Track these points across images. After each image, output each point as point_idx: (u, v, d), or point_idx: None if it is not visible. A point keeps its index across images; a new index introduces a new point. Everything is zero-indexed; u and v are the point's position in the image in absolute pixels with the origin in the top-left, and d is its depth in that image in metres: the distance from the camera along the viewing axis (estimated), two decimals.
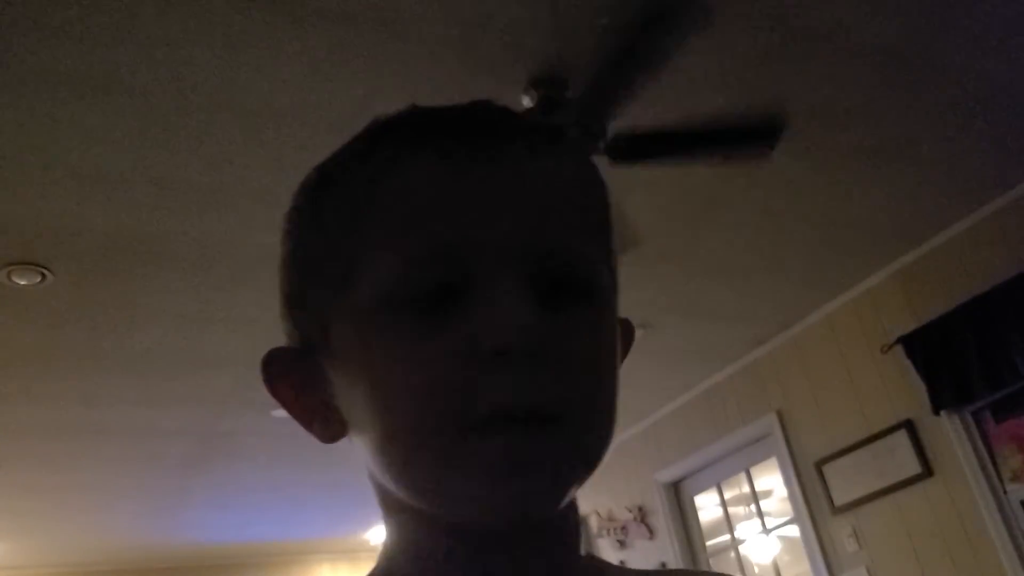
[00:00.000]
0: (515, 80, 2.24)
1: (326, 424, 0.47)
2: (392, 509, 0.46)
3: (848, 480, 3.84)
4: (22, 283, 2.78)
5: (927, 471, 3.48)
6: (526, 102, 2.26)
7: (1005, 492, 3.24)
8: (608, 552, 5.31)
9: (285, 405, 0.48)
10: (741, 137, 2.44)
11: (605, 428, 0.44)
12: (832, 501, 3.91)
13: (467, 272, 0.41)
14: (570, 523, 0.46)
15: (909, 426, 3.54)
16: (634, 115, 2.29)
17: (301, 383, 0.47)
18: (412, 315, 0.41)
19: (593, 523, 5.43)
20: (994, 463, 3.28)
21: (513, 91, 2.26)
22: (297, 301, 0.48)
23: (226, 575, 6.24)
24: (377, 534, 6.39)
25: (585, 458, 0.42)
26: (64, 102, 2.13)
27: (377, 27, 2.04)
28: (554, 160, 0.45)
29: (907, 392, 3.50)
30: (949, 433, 3.39)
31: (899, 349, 3.50)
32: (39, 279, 2.77)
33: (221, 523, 5.72)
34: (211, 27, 1.98)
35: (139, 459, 4.44)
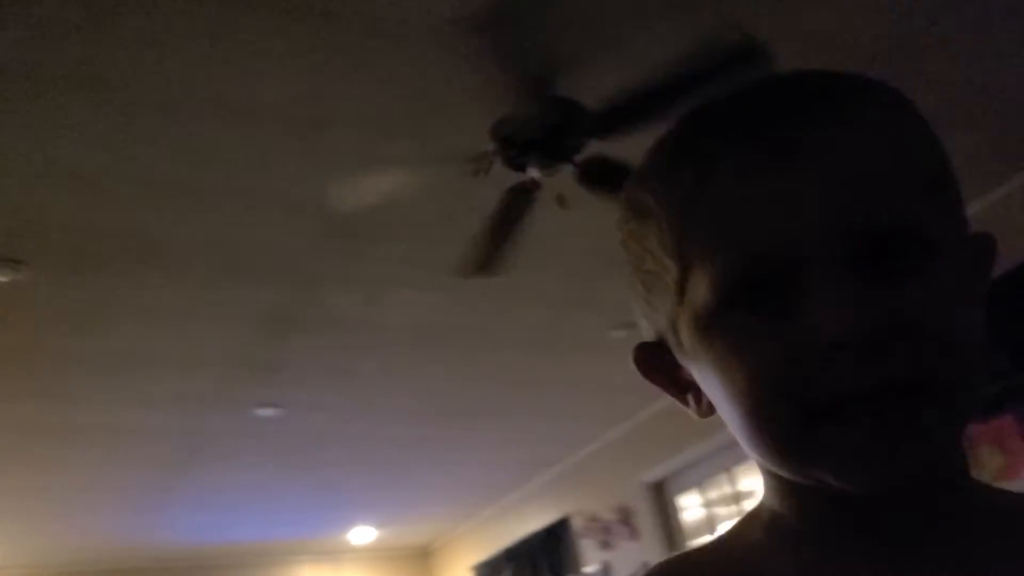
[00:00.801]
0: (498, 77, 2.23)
1: (698, 404, 0.51)
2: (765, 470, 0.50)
3: None
4: (0, 280, 2.74)
5: None
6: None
7: None
8: (591, 553, 5.31)
9: (662, 388, 0.54)
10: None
11: (974, 376, 0.43)
12: None
13: (791, 266, 0.42)
14: (955, 465, 0.47)
15: None
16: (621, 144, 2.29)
17: (668, 372, 0.52)
18: (745, 313, 0.43)
19: (577, 523, 5.42)
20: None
21: (494, 87, 2.25)
22: (647, 303, 0.51)
23: None
24: (358, 535, 6.36)
25: (956, 415, 0.43)
26: (45, 97, 2.10)
27: (360, 25, 2.03)
28: (853, 128, 0.44)
29: None
30: None
31: None
32: (16, 275, 2.73)
33: (203, 523, 5.68)
34: (194, 23, 1.96)
35: (120, 460, 4.40)
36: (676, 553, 0.55)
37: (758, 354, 0.43)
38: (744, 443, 0.47)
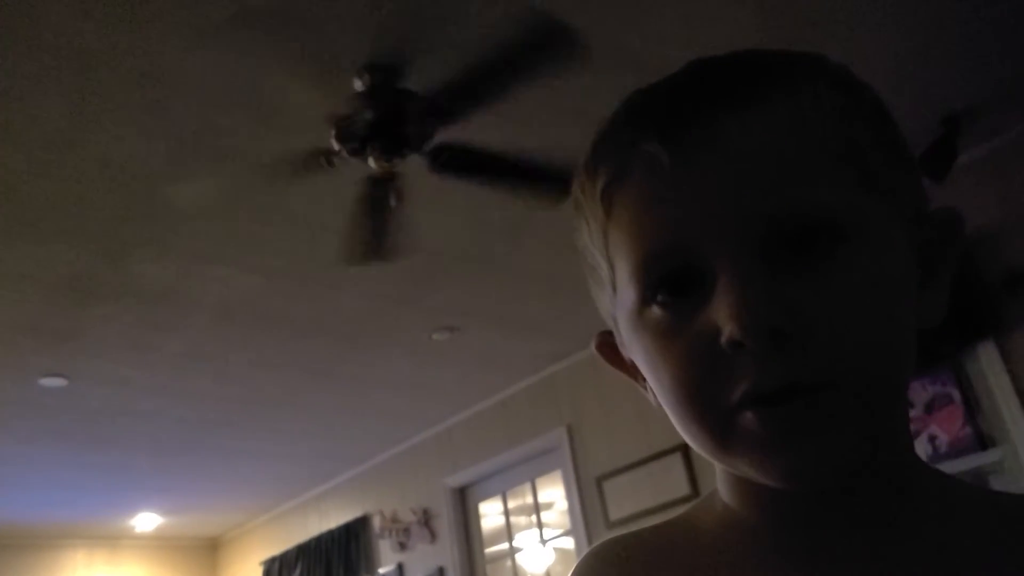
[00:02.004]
0: (352, 60, 2.18)
1: (651, 392, 0.50)
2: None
3: (625, 496, 4.04)
4: None
5: (694, 492, 3.72)
6: (357, 86, 2.21)
7: None
8: (388, 553, 5.28)
9: (625, 374, 0.53)
10: (544, 178, 2.50)
11: (889, 372, 0.42)
12: (607, 516, 4.09)
13: (700, 262, 0.42)
14: (896, 456, 0.46)
15: (684, 450, 3.77)
16: (471, 129, 2.30)
17: (622, 360, 0.52)
18: (663, 311, 0.44)
19: (376, 523, 5.38)
20: None
21: (347, 72, 2.20)
22: (596, 295, 0.52)
23: None
24: (143, 521, 5.99)
25: (870, 408, 0.41)
26: None
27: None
28: (756, 114, 0.42)
29: None
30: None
31: None
32: None
33: None
34: None
35: None
36: (625, 532, 0.54)
37: (675, 353, 0.43)
38: (682, 435, 0.47)
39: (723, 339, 0.40)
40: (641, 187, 0.44)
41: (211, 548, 6.82)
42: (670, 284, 0.43)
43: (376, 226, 2.57)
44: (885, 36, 2.44)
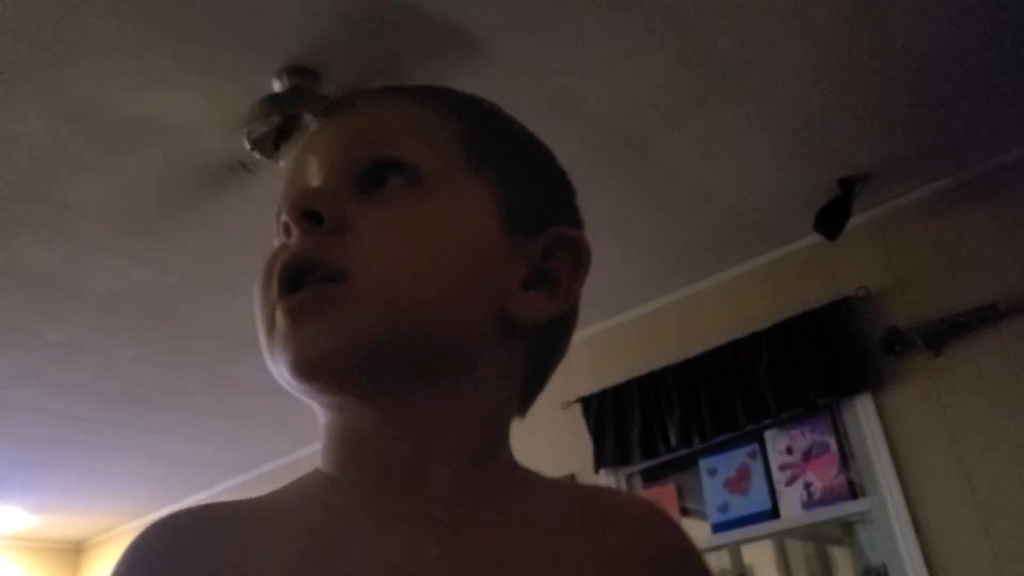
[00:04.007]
0: (270, 63, 2.15)
1: None
2: None
3: None
4: None
5: None
6: (276, 86, 2.17)
7: None
8: None
9: None
10: None
11: (409, 298, 0.47)
12: None
13: None
14: (456, 422, 0.51)
15: (571, 480, 3.80)
16: None
17: None
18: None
19: None
20: None
21: (264, 74, 2.16)
22: None
23: None
24: (3, 519, 5.64)
25: (370, 319, 0.46)
26: None
27: None
28: (380, 102, 0.56)
29: (577, 448, 3.76)
30: None
31: (577, 407, 3.76)
32: None
33: None
34: None
35: None
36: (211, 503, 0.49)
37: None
38: None
39: (284, 217, 0.51)
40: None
41: (74, 552, 6.46)
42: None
43: None
44: (796, 98, 2.55)
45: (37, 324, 3.37)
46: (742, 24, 2.23)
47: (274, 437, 4.90)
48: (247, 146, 2.27)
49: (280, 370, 0.48)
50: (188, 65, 2.15)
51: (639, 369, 3.63)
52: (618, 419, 3.62)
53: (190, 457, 5.05)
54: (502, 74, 2.27)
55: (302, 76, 2.15)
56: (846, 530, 3.34)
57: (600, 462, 3.62)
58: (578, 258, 0.55)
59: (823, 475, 3.16)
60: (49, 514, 5.77)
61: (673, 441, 3.43)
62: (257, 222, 2.67)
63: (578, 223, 0.60)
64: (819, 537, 3.49)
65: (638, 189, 2.91)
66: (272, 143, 2.24)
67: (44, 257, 2.93)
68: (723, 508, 3.37)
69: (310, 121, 2.17)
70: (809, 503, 3.16)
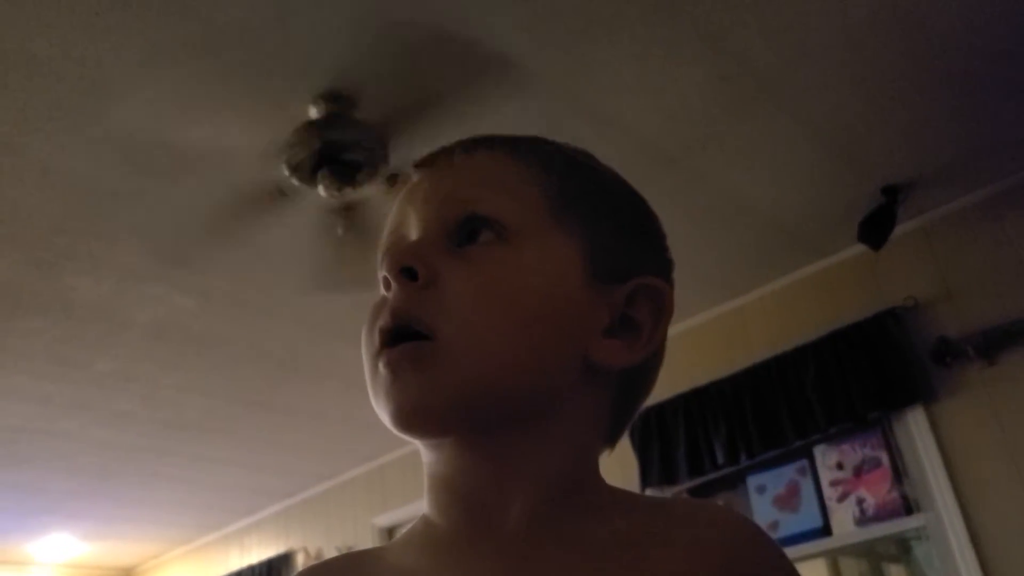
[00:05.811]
0: (307, 91, 2.17)
1: None
2: None
3: None
4: None
5: None
6: (313, 113, 2.19)
7: None
8: None
9: None
10: None
11: (494, 350, 0.50)
12: None
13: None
14: (540, 462, 0.53)
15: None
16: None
17: None
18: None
19: (300, 560, 5.23)
20: None
21: (301, 102, 2.19)
22: None
23: None
24: (49, 547, 5.72)
25: (458, 375, 0.49)
26: None
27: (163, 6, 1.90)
28: (478, 154, 0.59)
29: (621, 467, 3.72)
30: None
31: None
32: None
33: None
34: None
35: None
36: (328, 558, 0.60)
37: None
38: None
39: (383, 271, 0.53)
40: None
41: None
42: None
43: (328, 256, 2.54)
44: (834, 106, 2.51)
45: (85, 355, 3.42)
46: (775, 35, 2.20)
47: (317, 463, 4.93)
48: (285, 172, 2.29)
49: (382, 416, 0.52)
50: (227, 95, 2.18)
51: (684, 386, 3.58)
52: (663, 437, 3.57)
53: (235, 483, 5.09)
54: (537, 95, 2.27)
55: (338, 103, 2.17)
56: (902, 547, 3.25)
57: (646, 481, 3.57)
58: (661, 306, 0.57)
59: (876, 490, 3.08)
60: (100, 541, 5.85)
61: (720, 458, 3.38)
62: (295, 247, 2.70)
63: (666, 267, 0.62)
64: (874, 555, 3.40)
65: (677, 204, 2.88)
66: (310, 169, 2.26)
67: (91, 288, 2.98)
68: (773, 527, 3.30)
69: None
70: (862, 520, 3.08)
